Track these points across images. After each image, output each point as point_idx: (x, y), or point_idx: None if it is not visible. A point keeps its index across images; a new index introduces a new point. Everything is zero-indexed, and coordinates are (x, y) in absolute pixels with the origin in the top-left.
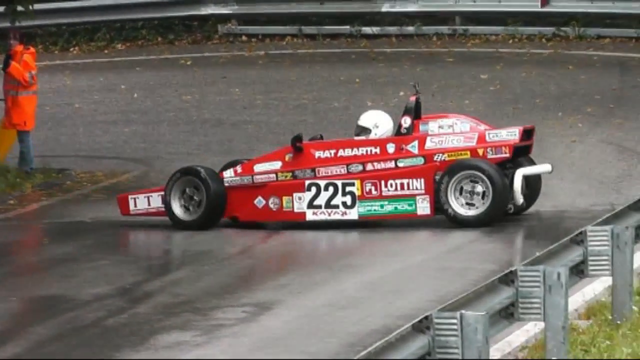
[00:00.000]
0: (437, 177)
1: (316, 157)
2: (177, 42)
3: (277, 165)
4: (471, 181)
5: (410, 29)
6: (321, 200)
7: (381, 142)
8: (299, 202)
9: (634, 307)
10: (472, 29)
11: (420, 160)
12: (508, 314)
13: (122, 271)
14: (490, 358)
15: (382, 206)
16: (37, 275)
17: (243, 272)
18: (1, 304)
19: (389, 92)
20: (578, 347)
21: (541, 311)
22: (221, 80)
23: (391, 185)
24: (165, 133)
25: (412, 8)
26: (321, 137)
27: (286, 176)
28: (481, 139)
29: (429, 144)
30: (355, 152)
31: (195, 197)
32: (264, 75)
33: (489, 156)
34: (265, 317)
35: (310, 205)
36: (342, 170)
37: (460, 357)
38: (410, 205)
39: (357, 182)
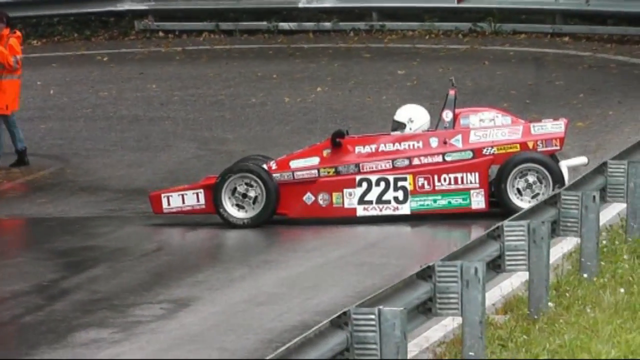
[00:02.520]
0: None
1: (356, 152)
2: (93, 38)
3: (315, 161)
4: (523, 173)
5: (328, 24)
6: (372, 195)
7: (424, 136)
8: (350, 198)
9: (550, 303)
10: (389, 24)
11: (468, 154)
12: (426, 309)
13: (38, 268)
14: (408, 353)
15: (435, 200)
16: None
17: (160, 268)
18: None
19: (306, 88)
20: (495, 342)
21: (459, 306)
22: (138, 76)
23: (444, 180)
24: (82, 129)
25: (329, 4)
26: (347, 132)
27: (329, 172)
28: (526, 131)
29: (472, 138)
30: (397, 146)
31: (249, 194)
32: (181, 71)
33: (539, 149)
34: (183, 313)
35: (361, 201)
36: (387, 165)
37: (378, 353)
38: (464, 199)
39: (409, 177)
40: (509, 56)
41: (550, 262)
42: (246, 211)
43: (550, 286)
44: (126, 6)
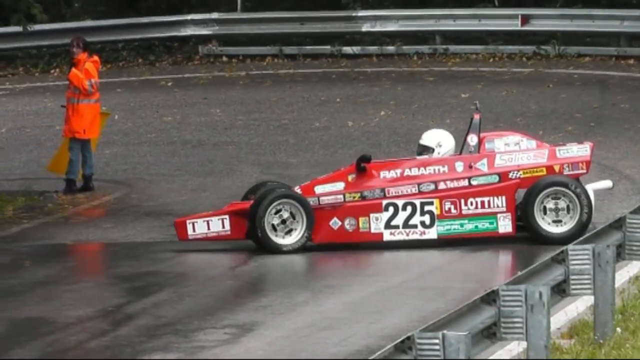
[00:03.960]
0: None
1: (381, 177)
2: (157, 63)
3: (340, 186)
4: (553, 198)
5: (391, 48)
6: (399, 220)
7: (449, 161)
8: (376, 223)
9: (617, 327)
10: (453, 48)
11: (495, 178)
12: (490, 334)
13: (103, 293)
14: None
15: (462, 225)
16: (18, 298)
17: (224, 293)
18: None
19: (370, 112)
20: None
21: (523, 330)
22: (202, 101)
23: (471, 204)
24: (146, 154)
25: (392, 27)
26: (369, 159)
27: (354, 197)
28: (552, 155)
29: (498, 162)
30: (423, 171)
31: (288, 220)
32: (244, 95)
33: (565, 172)
34: (246, 338)
35: (388, 225)
36: (413, 189)
37: None
38: (491, 223)
39: (435, 201)
40: (573, 79)
41: (616, 285)
42: (291, 237)
43: (616, 310)
44: (190, 31)
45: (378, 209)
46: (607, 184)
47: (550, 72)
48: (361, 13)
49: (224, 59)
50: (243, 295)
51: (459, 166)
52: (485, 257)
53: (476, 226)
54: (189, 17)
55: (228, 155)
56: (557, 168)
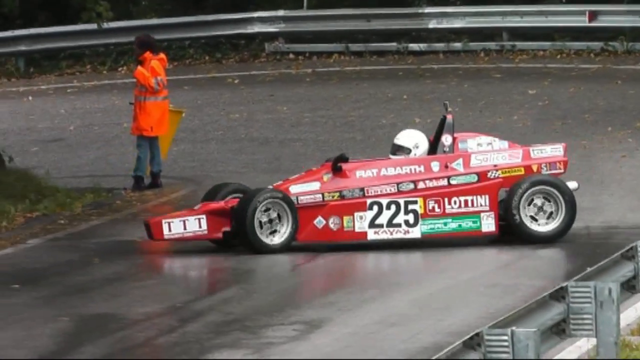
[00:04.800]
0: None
1: (357, 177)
2: (224, 61)
3: (315, 186)
4: (538, 197)
5: (458, 45)
6: (383, 219)
7: (425, 161)
8: (360, 222)
9: None
10: (520, 44)
11: (474, 178)
12: (559, 330)
13: (171, 290)
14: None
15: (445, 224)
16: (87, 295)
17: (292, 290)
18: (52, 324)
19: (436, 109)
20: None
21: (593, 327)
22: (268, 98)
23: (455, 203)
24: (214, 151)
25: (459, 24)
26: (347, 159)
27: (333, 196)
28: (526, 155)
29: (474, 161)
30: (399, 170)
31: (275, 221)
32: (311, 92)
33: (543, 172)
34: (314, 335)
35: (372, 224)
36: (392, 189)
37: None
38: (474, 222)
39: (420, 200)
40: None
41: None
42: (277, 236)
43: None
44: (256, 29)
45: (362, 207)
46: (573, 185)
47: (619, 69)
48: (427, 10)
49: (291, 56)
50: (310, 292)
51: (435, 166)
52: (553, 253)
53: (460, 225)
54: (256, 14)
55: (295, 153)
56: (535, 168)
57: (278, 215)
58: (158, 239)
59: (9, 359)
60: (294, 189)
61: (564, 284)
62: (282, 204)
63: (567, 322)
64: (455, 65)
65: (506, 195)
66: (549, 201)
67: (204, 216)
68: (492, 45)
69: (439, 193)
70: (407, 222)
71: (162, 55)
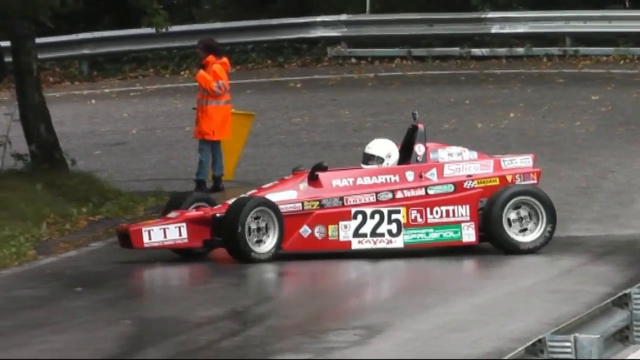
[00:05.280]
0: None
1: (334, 185)
2: (286, 65)
3: (292, 194)
4: (516, 207)
5: (520, 50)
6: (367, 228)
7: (400, 170)
8: (345, 231)
9: None
10: (583, 49)
11: (450, 188)
12: (623, 337)
13: (233, 294)
14: None
15: (427, 234)
16: (149, 298)
17: (353, 294)
18: (115, 327)
19: (499, 114)
20: None
21: None
22: (331, 102)
23: (437, 212)
24: (276, 155)
25: (521, 29)
26: (326, 167)
27: (313, 205)
28: (497, 165)
29: (447, 171)
30: (375, 180)
31: (263, 230)
32: (373, 97)
33: (517, 182)
34: (376, 339)
35: (356, 233)
36: (371, 198)
37: None
38: (455, 232)
39: (402, 210)
40: None
41: None
42: (265, 245)
43: None
44: (319, 33)
45: (347, 216)
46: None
47: None
48: (490, 15)
49: (353, 60)
50: (372, 297)
51: (410, 175)
52: (615, 260)
53: (441, 235)
54: (319, 18)
55: (357, 157)
56: (509, 178)
57: (265, 224)
58: (138, 247)
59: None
60: (272, 197)
61: (627, 291)
62: (270, 212)
63: (630, 329)
64: (518, 71)
65: (486, 205)
66: (530, 211)
67: (184, 224)
68: (555, 50)
69: (421, 203)
70: (390, 232)
71: (224, 59)
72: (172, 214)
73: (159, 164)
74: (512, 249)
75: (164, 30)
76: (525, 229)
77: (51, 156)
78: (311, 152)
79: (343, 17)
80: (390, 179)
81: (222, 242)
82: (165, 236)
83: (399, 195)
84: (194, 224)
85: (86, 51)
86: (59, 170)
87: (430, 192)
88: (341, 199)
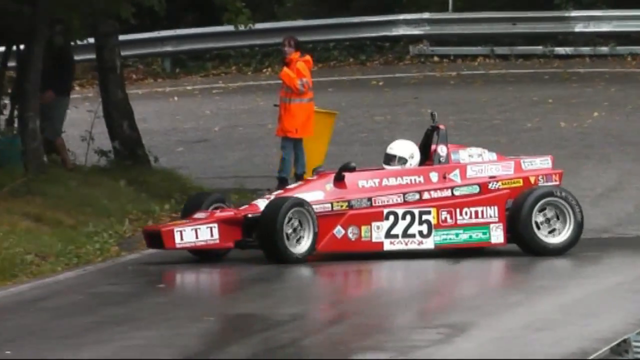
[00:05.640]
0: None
1: (360, 186)
2: (368, 63)
3: (319, 195)
4: (541, 210)
5: (604, 49)
6: (398, 229)
7: (424, 171)
8: (377, 232)
9: None
10: None
11: (476, 189)
12: None
13: (316, 291)
14: None
15: (457, 235)
16: (232, 295)
17: (436, 293)
18: (198, 324)
19: (582, 113)
20: None
21: None
22: (413, 101)
23: (466, 214)
24: (358, 154)
25: (605, 28)
26: (354, 168)
27: (342, 205)
28: (518, 167)
29: (470, 173)
30: (400, 180)
31: (299, 229)
32: (455, 95)
33: (540, 184)
34: (459, 338)
35: (388, 234)
36: (398, 199)
37: None
38: (484, 233)
39: (433, 210)
40: None
41: None
42: (300, 245)
43: None
44: (401, 31)
45: (379, 217)
46: None
47: None
48: (574, 13)
49: (435, 58)
50: (455, 295)
51: (434, 176)
52: None
53: (470, 236)
54: (401, 17)
55: None
56: (532, 179)
57: (300, 223)
58: (169, 248)
59: (161, 359)
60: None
61: None
62: (306, 212)
63: None
64: (601, 69)
65: (513, 206)
66: (558, 213)
67: (216, 225)
68: (639, 49)
69: (451, 204)
70: (421, 233)
71: (307, 57)
72: (201, 215)
73: (241, 161)
74: (541, 251)
75: (245, 27)
76: (554, 230)
77: (134, 153)
78: None
79: (425, 15)
80: (415, 179)
81: (259, 241)
82: (197, 237)
83: (425, 196)
84: (225, 225)
85: (169, 48)
86: (142, 166)
87: (456, 193)
88: (369, 199)
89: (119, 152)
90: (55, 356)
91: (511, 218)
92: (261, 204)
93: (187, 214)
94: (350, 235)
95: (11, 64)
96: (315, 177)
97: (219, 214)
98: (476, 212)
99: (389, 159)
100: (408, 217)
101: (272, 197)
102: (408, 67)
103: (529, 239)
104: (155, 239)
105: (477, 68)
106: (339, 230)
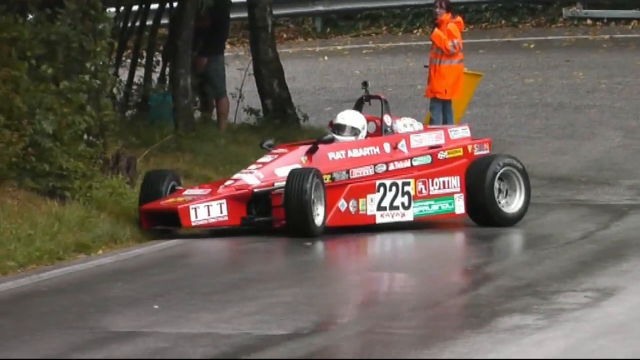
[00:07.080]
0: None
1: (330, 159)
2: (520, 26)
3: (297, 167)
4: (500, 179)
5: None
6: (387, 201)
7: (379, 142)
8: (371, 205)
9: None
10: None
11: (429, 159)
12: None
13: (464, 253)
14: None
15: (430, 206)
16: (374, 255)
17: (584, 257)
18: (344, 282)
19: None
20: None
21: None
22: (564, 64)
23: (436, 185)
24: (507, 116)
25: None
26: (332, 140)
27: (326, 178)
28: (447, 136)
29: (414, 143)
30: (362, 152)
31: (315, 200)
32: (608, 59)
33: (476, 153)
34: (607, 302)
35: (379, 207)
36: (370, 171)
37: None
38: (450, 204)
39: (412, 182)
40: None
41: None
42: (320, 217)
43: None
44: None
45: (372, 190)
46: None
47: None
48: None
49: (589, 22)
50: (604, 260)
51: (387, 147)
52: None
53: (440, 207)
54: None
55: (590, 119)
56: (470, 149)
57: (317, 195)
58: (187, 227)
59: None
60: (280, 172)
61: None
62: (321, 183)
63: None
64: None
65: (473, 176)
66: (510, 182)
67: (224, 201)
68: None
69: (426, 174)
70: (403, 205)
71: (459, 19)
72: (198, 191)
73: None
74: (500, 222)
75: None
76: (508, 200)
77: (284, 112)
78: (543, 113)
79: None
80: (372, 150)
81: (287, 214)
82: (209, 214)
83: (391, 167)
84: (234, 202)
85: (320, 8)
86: (291, 125)
87: (415, 164)
88: (347, 172)
89: (268, 111)
90: (200, 313)
91: (472, 188)
92: (246, 178)
93: (150, 193)
94: (351, 209)
95: (164, 21)
96: (285, 150)
97: (225, 189)
98: (444, 183)
99: (340, 129)
100: (394, 189)
101: (255, 171)
102: (561, 30)
103: (492, 209)
104: (164, 217)
105: (631, 32)
106: (342, 204)
